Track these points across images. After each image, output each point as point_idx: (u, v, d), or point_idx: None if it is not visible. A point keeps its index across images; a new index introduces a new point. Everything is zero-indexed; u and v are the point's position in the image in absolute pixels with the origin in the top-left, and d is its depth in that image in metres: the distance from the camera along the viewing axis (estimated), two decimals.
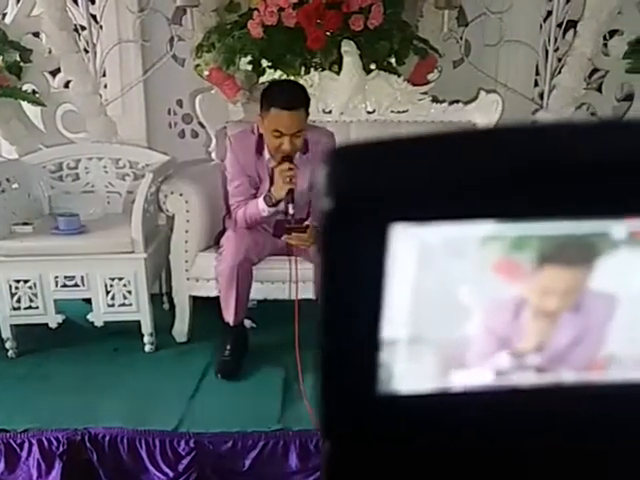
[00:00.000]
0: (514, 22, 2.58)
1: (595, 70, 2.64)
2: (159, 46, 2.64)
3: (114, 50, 2.59)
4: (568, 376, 0.28)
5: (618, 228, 0.24)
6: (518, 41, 2.60)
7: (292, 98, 1.91)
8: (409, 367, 0.28)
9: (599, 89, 2.68)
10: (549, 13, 2.60)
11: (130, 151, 2.51)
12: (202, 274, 2.18)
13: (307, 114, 1.96)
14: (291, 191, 1.92)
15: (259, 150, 2.04)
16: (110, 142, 2.52)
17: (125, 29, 2.59)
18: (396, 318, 0.26)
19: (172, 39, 2.62)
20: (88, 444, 1.72)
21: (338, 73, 2.39)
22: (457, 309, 0.26)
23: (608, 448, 0.29)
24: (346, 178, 0.24)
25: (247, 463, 1.73)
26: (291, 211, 1.94)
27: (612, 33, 2.60)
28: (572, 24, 2.59)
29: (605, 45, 2.62)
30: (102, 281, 2.12)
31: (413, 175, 0.24)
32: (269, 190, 1.98)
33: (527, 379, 0.28)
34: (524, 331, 0.27)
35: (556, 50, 2.61)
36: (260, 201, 1.99)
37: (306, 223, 1.98)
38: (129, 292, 2.13)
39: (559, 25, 2.59)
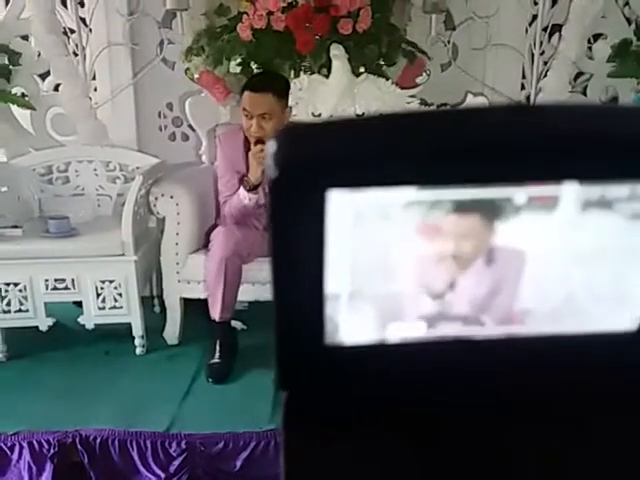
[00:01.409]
0: (500, 26, 2.61)
1: (580, 73, 2.68)
2: (149, 49, 2.65)
3: (104, 53, 2.60)
4: (490, 327, 0.31)
5: (520, 194, 0.28)
6: (504, 45, 2.63)
7: (260, 81, 2.06)
8: (351, 320, 0.31)
9: (584, 92, 2.72)
10: (534, 17, 2.64)
11: (120, 154, 2.52)
12: (193, 276, 2.19)
13: (282, 103, 2.04)
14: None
15: (247, 146, 2.08)
16: (100, 145, 2.53)
17: (115, 32, 2.59)
18: (337, 275, 0.29)
19: (162, 42, 2.63)
20: (79, 446, 1.72)
21: (327, 76, 2.41)
22: (388, 266, 0.30)
23: (528, 398, 0.32)
24: (289, 150, 0.28)
25: (239, 464, 1.74)
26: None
27: (596, 37, 2.65)
28: (557, 28, 2.62)
29: (589, 49, 2.66)
30: (93, 284, 2.12)
31: (347, 147, 0.27)
32: (246, 175, 2.02)
33: (453, 330, 0.31)
34: (441, 275, 0.31)
35: (542, 54, 2.64)
36: (241, 190, 2.04)
37: None
38: (120, 295, 2.14)
39: (544, 29, 2.63)
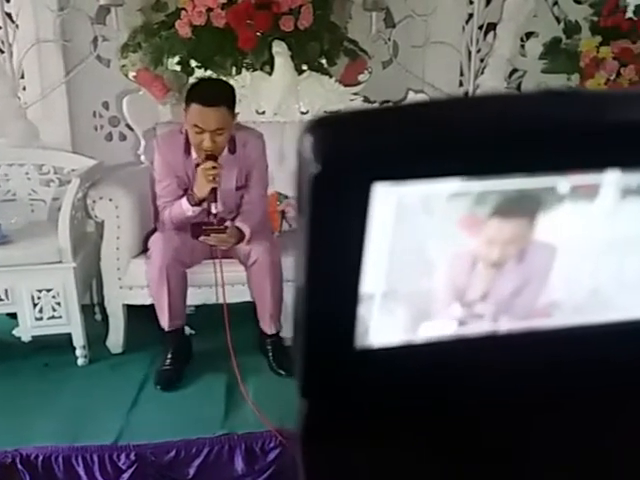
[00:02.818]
0: (438, 24, 2.66)
1: (514, 70, 2.77)
2: (82, 46, 2.53)
3: (32, 50, 2.46)
4: (513, 323, 0.31)
5: (563, 183, 0.27)
6: (442, 42, 2.69)
7: (212, 94, 1.90)
8: (382, 321, 0.30)
9: (518, 88, 2.81)
10: (470, 16, 2.71)
11: (54, 156, 2.40)
12: (136, 281, 2.11)
13: (233, 114, 1.94)
14: (214, 190, 1.90)
15: (187, 150, 2.00)
16: (32, 147, 2.40)
17: (44, 28, 2.47)
18: (374, 274, 0.28)
19: (96, 39, 2.52)
20: (20, 466, 1.62)
21: (270, 74, 2.38)
22: (425, 264, 0.29)
23: (555, 392, 0.32)
24: (330, 143, 0.26)
25: (192, 471, 1.70)
26: (214, 210, 1.92)
27: (528, 35, 2.75)
28: (492, 26, 2.70)
29: (522, 47, 2.76)
30: (28, 294, 2.01)
31: (391, 137, 0.26)
32: (191, 189, 1.95)
33: (480, 328, 0.31)
34: (475, 282, 0.30)
35: (478, 51, 2.72)
36: (184, 201, 1.96)
37: (226, 224, 1.95)
38: (58, 304, 2.04)
39: (480, 27, 2.70)
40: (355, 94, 2.52)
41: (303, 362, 0.30)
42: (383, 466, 0.32)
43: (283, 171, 2.33)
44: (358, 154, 0.25)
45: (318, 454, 0.31)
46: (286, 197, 2.40)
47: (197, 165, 1.96)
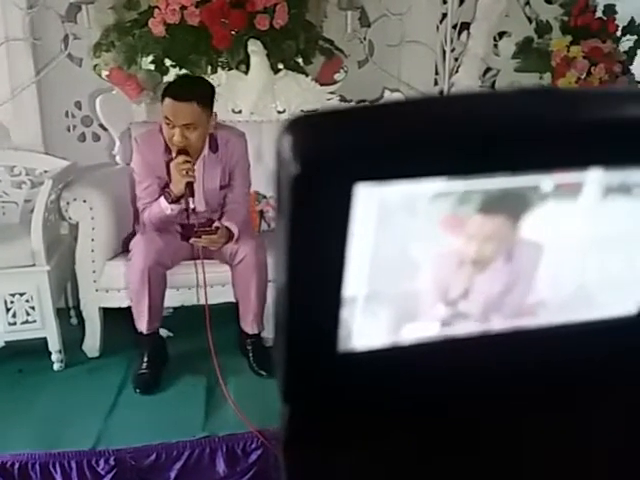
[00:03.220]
0: (413, 23, 2.68)
1: (488, 69, 2.81)
2: (52, 45, 2.48)
3: (1, 49, 2.40)
4: (500, 323, 0.31)
5: (547, 181, 0.27)
6: (417, 42, 2.70)
7: (183, 89, 1.90)
8: (365, 323, 0.29)
9: (492, 87, 2.85)
10: (444, 15, 2.73)
11: (26, 157, 2.35)
12: (112, 284, 2.08)
13: (208, 112, 1.93)
14: (190, 184, 1.88)
15: (168, 149, 1.98)
16: (2, 148, 2.34)
17: (13, 27, 2.41)
18: (356, 276, 0.28)
19: (67, 37, 2.47)
20: None
21: (246, 72, 2.37)
22: (408, 265, 0.29)
23: (543, 390, 0.32)
24: (311, 143, 0.25)
25: (173, 475, 1.68)
26: (192, 205, 1.90)
27: (501, 35, 2.78)
28: (466, 26, 2.73)
29: (496, 46, 2.79)
30: (1, 298, 1.97)
31: (373, 137, 0.25)
32: (168, 186, 1.93)
33: (466, 328, 0.31)
34: (460, 282, 0.30)
35: (452, 50, 2.74)
36: (162, 199, 1.94)
37: (215, 224, 1.94)
38: (32, 308, 1.99)
39: (454, 26, 2.72)
40: (331, 93, 2.52)
41: (285, 366, 0.29)
42: (367, 470, 0.32)
43: (261, 170, 2.32)
44: (339, 154, 0.25)
45: (301, 459, 0.31)
46: (264, 197, 2.39)
47: (169, 161, 1.94)
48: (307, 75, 2.48)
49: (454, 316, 0.30)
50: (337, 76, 2.55)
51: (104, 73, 2.42)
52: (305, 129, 0.26)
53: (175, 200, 1.91)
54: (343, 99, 2.52)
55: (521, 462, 0.32)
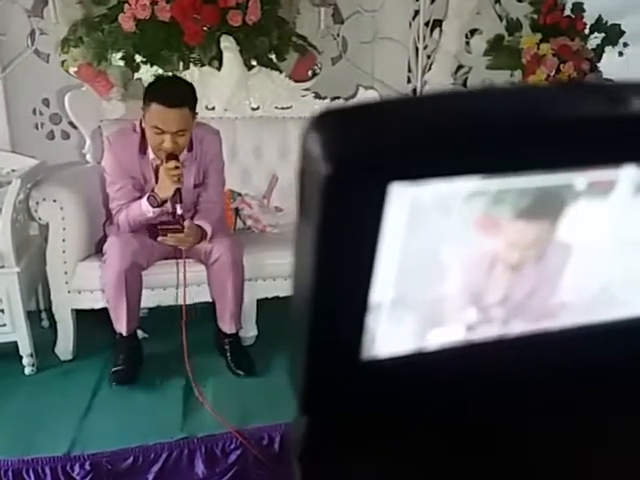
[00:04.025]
0: (386, 20, 2.69)
1: (460, 67, 2.83)
2: (18, 40, 2.41)
3: None
4: (522, 326, 0.30)
5: (580, 179, 0.27)
6: (390, 38, 2.71)
7: (174, 95, 1.82)
8: (390, 330, 0.28)
9: (464, 84, 2.88)
10: (417, 12, 2.74)
11: None
12: (84, 285, 2.04)
13: (194, 114, 1.89)
14: (178, 191, 1.85)
15: (142, 149, 1.93)
16: None
17: None
18: (384, 280, 0.26)
19: (33, 32, 2.41)
20: None
21: (219, 69, 2.34)
22: (438, 268, 0.28)
23: (561, 392, 0.32)
24: (343, 141, 0.24)
25: (151, 478, 1.65)
26: (179, 211, 1.87)
27: (473, 32, 2.81)
28: (438, 23, 2.75)
29: (467, 43, 2.82)
30: None
31: (408, 135, 0.24)
32: (153, 190, 1.89)
33: (490, 332, 0.30)
34: (493, 286, 0.29)
35: (425, 47, 2.76)
36: (144, 202, 1.89)
37: (185, 222, 1.91)
38: (2, 311, 1.94)
39: (426, 24, 2.74)
40: (306, 90, 2.51)
41: (305, 377, 0.28)
42: (387, 475, 0.31)
43: (235, 167, 2.30)
44: (374, 153, 0.24)
45: (319, 468, 0.30)
46: (239, 194, 2.38)
47: (157, 166, 1.90)
48: (281, 72, 2.47)
49: (483, 321, 0.29)
50: (311, 73, 2.54)
51: (72, 69, 2.36)
52: (336, 126, 0.24)
53: (159, 204, 1.88)
54: (317, 96, 2.52)
55: (540, 463, 0.32)
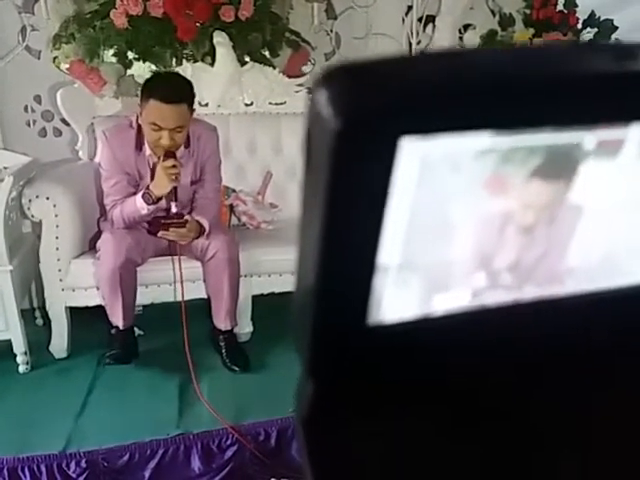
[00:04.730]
0: (379, 16, 2.69)
1: None
2: (9, 37, 2.40)
3: None
4: (531, 292, 0.30)
5: (589, 138, 0.26)
6: (384, 34, 2.71)
7: (172, 91, 1.81)
8: (397, 294, 0.28)
9: None
10: (410, 8, 2.74)
11: None
12: (78, 283, 2.03)
13: (191, 110, 1.88)
14: (174, 189, 1.85)
15: (139, 145, 1.92)
16: None
17: None
18: (392, 241, 0.26)
19: (24, 29, 2.39)
20: None
21: (212, 65, 2.33)
22: (447, 229, 0.27)
23: (572, 357, 0.32)
24: (353, 95, 0.23)
25: (147, 474, 1.65)
26: (174, 210, 1.87)
27: (466, 27, 2.81)
28: (431, 18, 2.75)
29: (461, 38, 2.82)
30: None
31: (421, 85, 0.24)
32: (148, 187, 1.88)
33: (500, 297, 0.29)
34: (504, 249, 0.28)
35: (418, 43, 2.76)
36: (139, 199, 1.88)
37: (185, 217, 1.91)
38: None
39: (419, 19, 2.74)
40: (299, 85, 2.51)
41: (311, 338, 0.27)
42: (395, 440, 0.30)
43: (229, 164, 2.29)
44: (383, 106, 0.23)
45: (325, 433, 0.29)
46: (234, 190, 2.37)
47: (155, 164, 1.89)
48: (274, 67, 2.46)
49: (491, 286, 0.29)
50: (304, 68, 2.53)
51: (64, 66, 2.35)
52: (344, 81, 0.24)
53: (154, 202, 1.87)
54: (311, 92, 2.51)
55: (547, 429, 0.32)
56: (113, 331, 1.96)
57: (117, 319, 1.92)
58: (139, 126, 1.89)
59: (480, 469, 0.31)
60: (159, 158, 1.86)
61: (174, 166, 1.82)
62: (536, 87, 0.24)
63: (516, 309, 0.30)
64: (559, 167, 0.27)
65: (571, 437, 0.33)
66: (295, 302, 0.28)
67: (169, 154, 1.83)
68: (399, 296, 0.28)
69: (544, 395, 0.32)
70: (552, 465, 0.32)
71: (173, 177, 1.82)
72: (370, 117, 0.23)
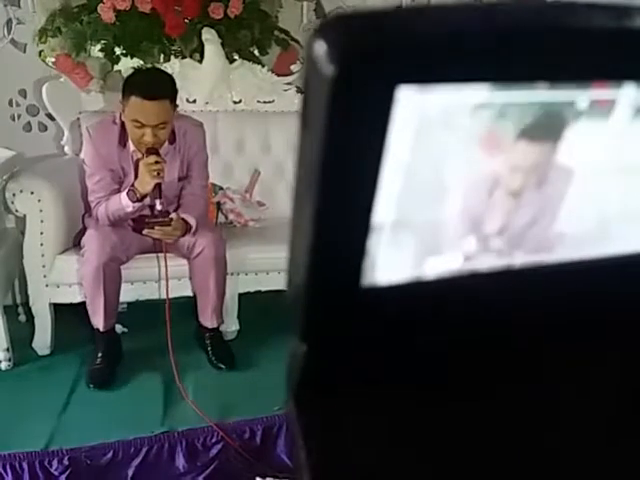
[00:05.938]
0: None
1: None
2: None
3: None
4: (521, 258, 0.30)
5: (582, 97, 0.26)
6: None
7: (154, 87, 1.79)
8: (390, 256, 0.27)
9: None
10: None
11: None
12: (62, 279, 2.01)
13: (174, 106, 1.87)
14: (158, 185, 1.83)
15: (122, 141, 1.91)
16: None
17: None
18: (387, 199, 0.26)
19: (9, 22, 2.36)
20: None
21: (200, 61, 2.32)
22: (440, 188, 0.27)
23: (559, 326, 0.32)
24: (350, 40, 0.23)
25: (130, 472, 1.63)
26: (159, 207, 1.85)
27: None
28: None
29: None
30: None
31: (419, 33, 0.23)
32: (133, 184, 1.87)
33: (489, 263, 0.29)
34: (493, 212, 0.28)
35: None
36: (123, 196, 1.86)
37: (171, 216, 1.89)
38: None
39: None
40: (288, 84, 2.50)
41: (304, 300, 0.27)
42: (388, 406, 0.30)
43: (217, 162, 2.28)
44: (380, 53, 0.23)
45: (317, 401, 0.29)
46: (221, 188, 2.36)
47: (138, 160, 1.87)
48: (263, 65, 2.46)
49: (481, 250, 0.29)
50: (293, 67, 2.53)
51: (50, 60, 2.32)
52: (341, 29, 0.23)
53: (139, 199, 1.85)
54: (300, 90, 2.51)
55: (544, 392, 0.32)
56: (95, 332, 1.94)
57: (98, 320, 1.89)
58: (123, 122, 1.88)
59: (469, 442, 0.31)
60: (143, 155, 1.85)
61: (157, 162, 1.80)
62: (535, 41, 0.24)
63: (507, 275, 0.29)
64: (551, 126, 0.27)
65: (565, 404, 0.33)
66: (289, 263, 0.27)
67: (152, 150, 1.82)
68: (393, 257, 0.27)
69: (536, 363, 0.32)
70: (549, 436, 0.32)
71: (155, 174, 1.80)
72: (367, 63, 0.23)
